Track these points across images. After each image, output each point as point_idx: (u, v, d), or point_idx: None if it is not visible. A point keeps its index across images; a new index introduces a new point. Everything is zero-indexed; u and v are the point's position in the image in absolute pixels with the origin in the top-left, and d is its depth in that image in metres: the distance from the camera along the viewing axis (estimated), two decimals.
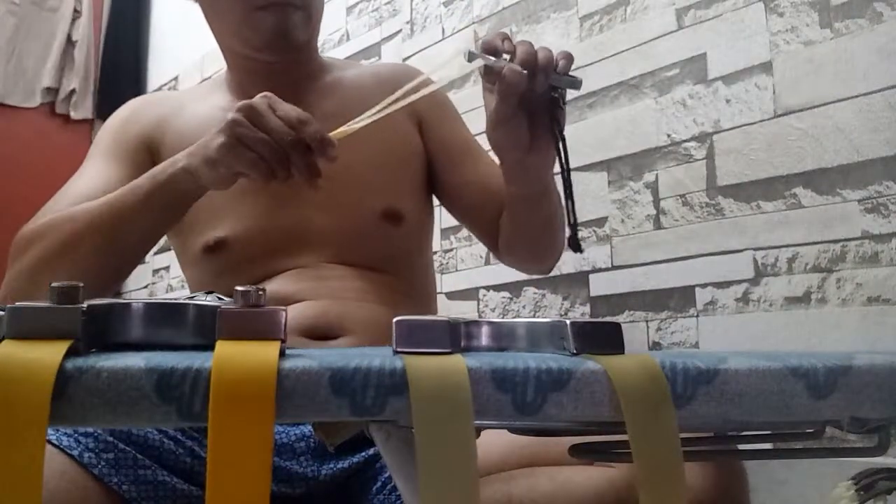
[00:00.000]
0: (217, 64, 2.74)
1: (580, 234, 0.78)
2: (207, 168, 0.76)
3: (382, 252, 0.91)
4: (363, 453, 0.77)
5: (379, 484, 0.75)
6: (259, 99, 0.74)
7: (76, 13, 3.22)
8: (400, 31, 1.93)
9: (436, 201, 1.06)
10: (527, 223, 0.90)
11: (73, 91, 3.14)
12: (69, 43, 3.18)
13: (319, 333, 0.81)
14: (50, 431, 0.62)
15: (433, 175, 1.01)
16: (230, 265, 0.90)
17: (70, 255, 0.81)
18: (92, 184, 0.90)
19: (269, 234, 0.89)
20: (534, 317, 1.49)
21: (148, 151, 0.97)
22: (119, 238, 0.81)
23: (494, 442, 0.69)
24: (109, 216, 0.81)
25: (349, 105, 0.85)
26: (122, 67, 3.14)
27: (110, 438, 0.65)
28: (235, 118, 0.73)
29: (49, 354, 0.30)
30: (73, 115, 3.13)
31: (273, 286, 0.87)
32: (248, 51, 0.95)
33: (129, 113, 1.02)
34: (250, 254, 0.89)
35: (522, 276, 1.48)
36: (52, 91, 3.13)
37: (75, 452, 0.63)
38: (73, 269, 0.80)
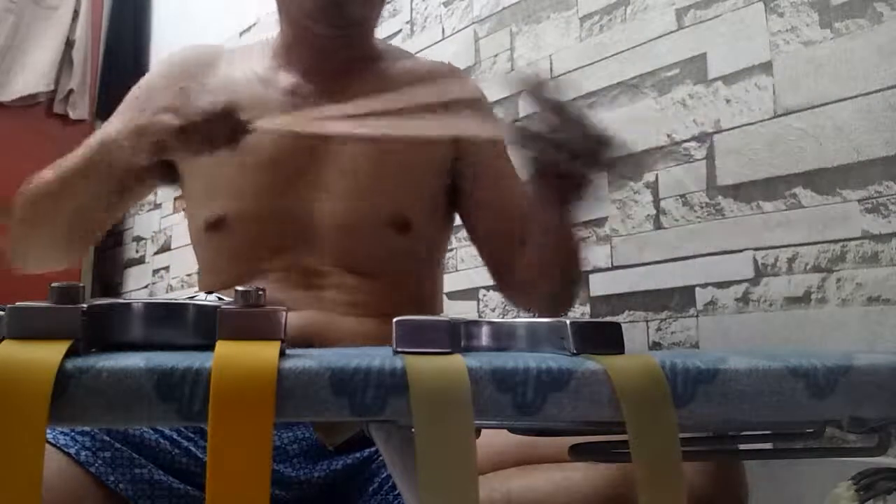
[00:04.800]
0: None
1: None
2: (131, 140, 0.76)
3: (385, 259, 0.88)
4: (357, 454, 0.76)
5: (375, 485, 0.75)
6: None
7: (75, 14, 3.21)
8: (400, 30, 1.93)
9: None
10: (554, 250, 0.85)
11: (70, 91, 3.13)
12: (67, 43, 3.18)
13: (301, 344, 0.80)
14: (47, 430, 0.62)
15: (456, 187, 0.96)
16: (231, 246, 0.88)
17: (30, 223, 0.88)
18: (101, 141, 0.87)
19: (269, 218, 0.87)
20: (534, 317, 1.49)
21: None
22: (62, 207, 0.85)
23: (493, 440, 0.69)
24: (55, 185, 0.85)
25: (388, 101, 0.81)
26: (122, 67, 3.14)
27: (107, 437, 0.65)
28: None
29: (49, 354, 0.30)
30: (71, 114, 3.13)
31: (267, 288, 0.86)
32: (301, 18, 0.90)
33: (167, 68, 0.97)
34: (250, 237, 0.87)
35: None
36: (50, 91, 3.12)
37: (72, 451, 0.63)
38: (36, 235, 0.89)
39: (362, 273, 0.85)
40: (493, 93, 1.24)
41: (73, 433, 0.64)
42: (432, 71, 0.99)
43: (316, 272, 0.84)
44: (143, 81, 0.98)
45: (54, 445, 0.63)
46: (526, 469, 0.69)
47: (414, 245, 0.89)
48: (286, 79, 0.92)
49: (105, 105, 3.09)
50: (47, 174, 0.89)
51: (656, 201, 1.37)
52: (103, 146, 0.80)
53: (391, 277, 0.86)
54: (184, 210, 1.00)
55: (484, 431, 0.70)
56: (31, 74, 3.11)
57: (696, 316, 1.29)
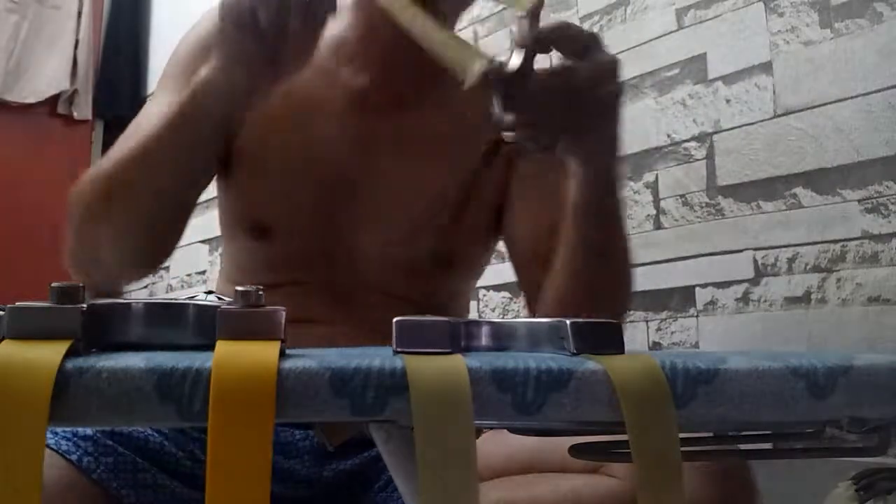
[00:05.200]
0: None
1: None
2: (221, 68, 0.68)
3: (421, 289, 0.83)
4: (365, 454, 0.76)
5: (381, 482, 0.75)
6: None
7: (77, 14, 3.21)
8: None
9: None
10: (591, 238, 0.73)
11: (74, 91, 3.13)
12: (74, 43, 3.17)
13: None
14: (49, 436, 0.62)
15: (502, 208, 0.87)
16: (270, 255, 0.82)
17: (106, 215, 0.74)
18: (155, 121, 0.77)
19: (315, 234, 0.81)
20: (534, 317, 1.49)
21: None
22: (151, 181, 0.73)
23: (496, 448, 0.68)
24: (138, 157, 0.72)
25: (460, 105, 0.76)
26: (122, 67, 3.14)
27: (109, 442, 0.65)
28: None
29: (49, 354, 0.30)
30: (76, 115, 3.13)
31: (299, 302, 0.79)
32: (378, 11, 0.76)
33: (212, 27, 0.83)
34: (292, 249, 0.81)
35: None
36: (54, 92, 3.12)
37: (74, 457, 0.62)
38: (114, 230, 0.74)
39: (398, 297, 0.82)
40: None
41: (75, 438, 0.63)
42: None
43: (351, 291, 0.81)
44: (193, 37, 0.86)
45: (56, 451, 0.62)
46: (531, 478, 0.68)
47: (453, 278, 0.87)
48: (352, 78, 0.83)
49: (105, 105, 3.10)
50: (107, 163, 0.76)
51: (656, 201, 1.37)
52: (195, 96, 0.70)
53: (426, 303, 0.83)
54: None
55: (489, 437, 0.70)
56: (52, 75, 3.10)
57: (696, 316, 1.29)
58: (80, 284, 0.33)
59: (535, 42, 0.62)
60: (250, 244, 0.83)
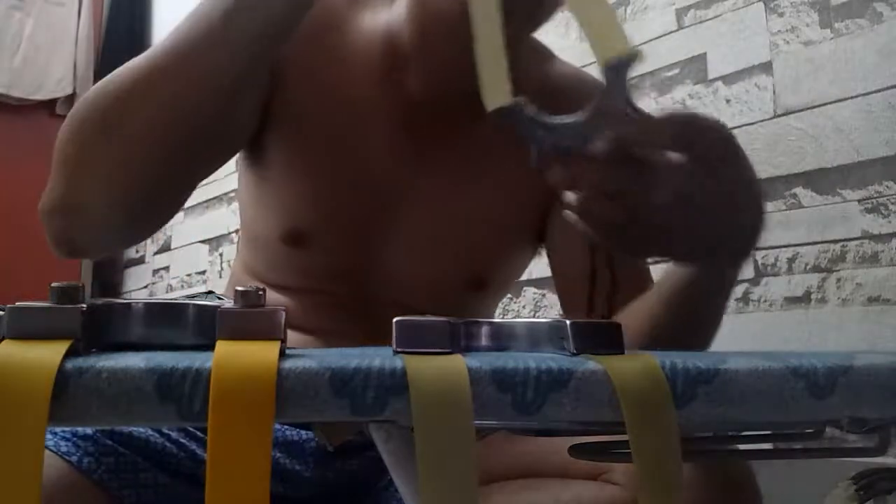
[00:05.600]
0: None
1: None
2: None
3: (452, 308, 0.77)
4: (370, 454, 0.76)
5: (384, 482, 0.75)
6: None
7: (78, 13, 3.21)
8: None
9: None
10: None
11: (74, 92, 3.14)
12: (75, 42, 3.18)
13: None
14: (48, 437, 0.62)
15: (546, 224, 0.81)
16: (301, 261, 0.78)
17: (109, 135, 0.60)
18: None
19: (350, 245, 0.76)
20: (534, 317, 1.49)
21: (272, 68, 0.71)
22: (164, 96, 0.59)
23: (496, 453, 0.68)
24: (169, 60, 0.60)
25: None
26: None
27: (109, 442, 0.65)
28: None
29: (49, 354, 0.30)
30: None
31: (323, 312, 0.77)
32: (444, 17, 0.68)
33: None
34: (325, 258, 0.77)
35: (522, 276, 1.48)
36: (54, 92, 3.12)
37: (74, 458, 0.62)
38: (126, 152, 0.59)
39: (424, 314, 0.81)
40: None
41: (75, 439, 0.63)
42: (563, 88, 0.80)
43: (378, 306, 0.77)
44: None
45: (56, 453, 0.62)
46: (531, 485, 0.68)
47: (485, 298, 0.84)
48: (407, 86, 0.75)
49: None
50: (123, 71, 0.62)
51: None
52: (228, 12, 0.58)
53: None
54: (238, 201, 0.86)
55: (491, 440, 0.69)
56: (56, 73, 3.10)
57: None
58: (81, 284, 0.33)
59: (640, 128, 0.47)
60: (280, 249, 0.77)
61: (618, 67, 0.45)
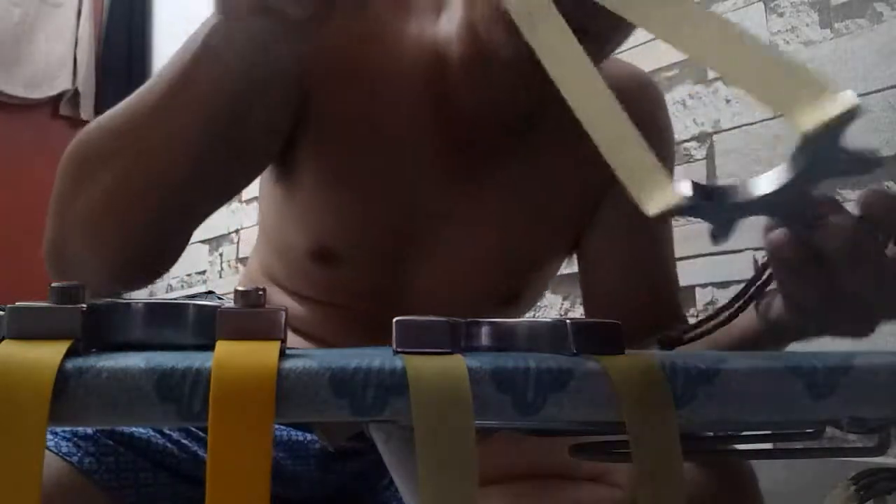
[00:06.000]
0: None
1: None
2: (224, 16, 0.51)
3: None
4: (374, 456, 0.76)
5: (386, 480, 0.75)
6: None
7: (78, 12, 3.21)
8: None
9: None
10: None
11: (76, 91, 3.13)
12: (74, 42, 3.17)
13: None
14: (48, 437, 0.61)
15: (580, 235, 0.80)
16: (330, 278, 0.75)
17: (90, 182, 0.58)
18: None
19: (381, 263, 0.73)
20: (534, 317, 1.49)
21: (297, 79, 0.66)
22: (148, 155, 0.57)
23: (496, 455, 0.68)
24: (133, 123, 0.57)
25: (569, 150, 0.67)
26: (122, 68, 3.14)
27: (110, 442, 0.64)
28: None
29: (49, 354, 0.30)
30: (83, 115, 3.12)
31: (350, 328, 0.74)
32: (495, 35, 0.61)
33: None
34: (354, 275, 0.74)
35: None
36: (56, 91, 3.12)
37: (75, 459, 0.61)
38: (102, 203, 0.57)
39: None
40: None
41: (75, 439, 0.63)
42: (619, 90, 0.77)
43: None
44: None
45: (57, 454, 0.61)
46: (532, 487, 0.68)
47: (516, 311, 0.82)
48: (454, 106, 0.70)
49: (105, 106, 3.09)
50: (112, 115, 0.59)
51: None
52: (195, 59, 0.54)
53: None
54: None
55: (491, 441, 0.69)
56: (54, 72, 3.09)
57: (697, 316, 1.29)
58: (81, 284, 0.33)
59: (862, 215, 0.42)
60: (305, 263, 0.74)
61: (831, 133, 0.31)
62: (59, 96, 3.10)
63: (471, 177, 0.73)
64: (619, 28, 0.61)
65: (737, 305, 0.53)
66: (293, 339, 0.76)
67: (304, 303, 0.77)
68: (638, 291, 0.77)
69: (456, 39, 0.67)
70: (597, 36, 0.57)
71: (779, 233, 0.43)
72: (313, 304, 0.77)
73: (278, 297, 0.78)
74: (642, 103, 0.76)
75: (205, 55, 0.54)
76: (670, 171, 0.77)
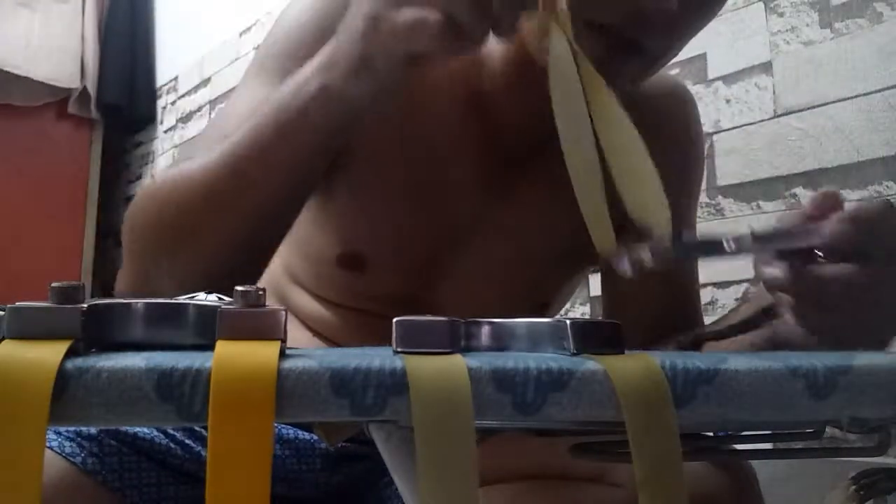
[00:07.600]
0: (217, 65, 2.74)
1: None
2: (357, 77, 0.53)
3: None
4: (376, 458, 0.76)
5: (387, 478, 0.75)
6: None
7: (82, 11, 3.20)
8: None
9: None
10: None
11: (84, 90, 3.12)
12: (81, 41, 3.16)
13: None
14: (51, 438, 0.62)
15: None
16: (356, 284, 0.75)
17: (187, 242, 0.59)
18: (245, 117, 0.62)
19: (410, 271, 0.73)
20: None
21: None
22: (244, 206, 0.59)
23: (496, 455, 0.68)
24: (227, 175, 0.58)
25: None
26: (122, 68, 3.13)
27: (113, 442, 0.64)
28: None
29: (49, 354, 0.30)
30: (82, 114, 3.12)
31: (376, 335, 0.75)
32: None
33: (336, 5, 0.64)
34: (382, 283, 0.74)
35: None
36: (64, 91, 3.11)
37: (78, 459, 0.62)
38: (197, 260, 0.59)
39: None
40: None
41: (79, 439, 0.63)
42: (663, 130, 0.72)
43: None
44: (308, 17, 0.68)
45: (59, 454, 0.61)
46: (532, 487, 0.68)
47: (543, 317, 0.83)
48: (493, 119, 0.70)
49: (105, 106, 3.09)
50: (188, 165, 0.61)
51: None
52: (325, 90, 0.54)
53: None
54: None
55: (495, 441, 0.69)
56: (61, 71, 3.08)
57: None
58: (81, 284, 0.33)
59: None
60: (333, 268, 0.74)
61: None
62: (66, 98, 3.09)
63: (505, 187, 0.73)
64: (670, 47, 0.63)
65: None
66: (314, 342, 0.77)
67: (327, 307, 0.77)
68: (662, 299, 0.77)
69: (496, 50, 0.68)
70: (648, 51, 0.60)
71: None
72: (337, 309, 0.77)
73: (302, 300, 0.79)
74: (677, 119, 0.79)
75: (323, 95, 0.55)
76: (696, 192, 0.82)
